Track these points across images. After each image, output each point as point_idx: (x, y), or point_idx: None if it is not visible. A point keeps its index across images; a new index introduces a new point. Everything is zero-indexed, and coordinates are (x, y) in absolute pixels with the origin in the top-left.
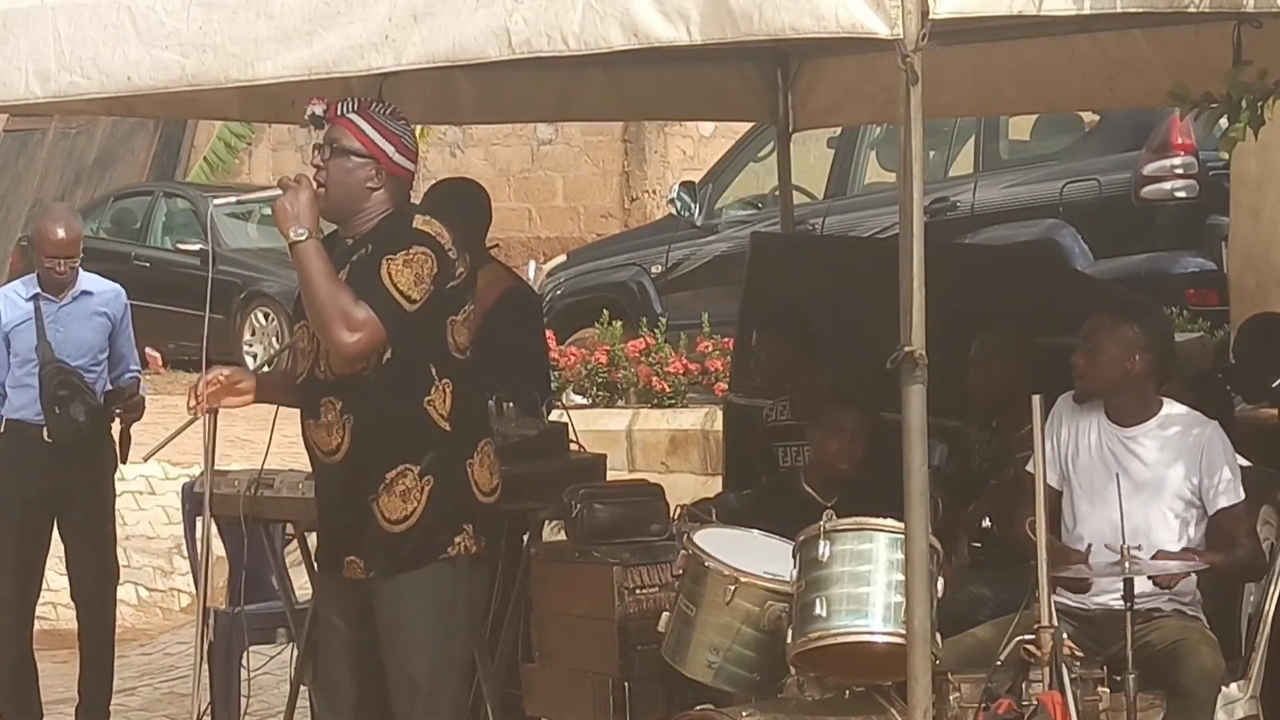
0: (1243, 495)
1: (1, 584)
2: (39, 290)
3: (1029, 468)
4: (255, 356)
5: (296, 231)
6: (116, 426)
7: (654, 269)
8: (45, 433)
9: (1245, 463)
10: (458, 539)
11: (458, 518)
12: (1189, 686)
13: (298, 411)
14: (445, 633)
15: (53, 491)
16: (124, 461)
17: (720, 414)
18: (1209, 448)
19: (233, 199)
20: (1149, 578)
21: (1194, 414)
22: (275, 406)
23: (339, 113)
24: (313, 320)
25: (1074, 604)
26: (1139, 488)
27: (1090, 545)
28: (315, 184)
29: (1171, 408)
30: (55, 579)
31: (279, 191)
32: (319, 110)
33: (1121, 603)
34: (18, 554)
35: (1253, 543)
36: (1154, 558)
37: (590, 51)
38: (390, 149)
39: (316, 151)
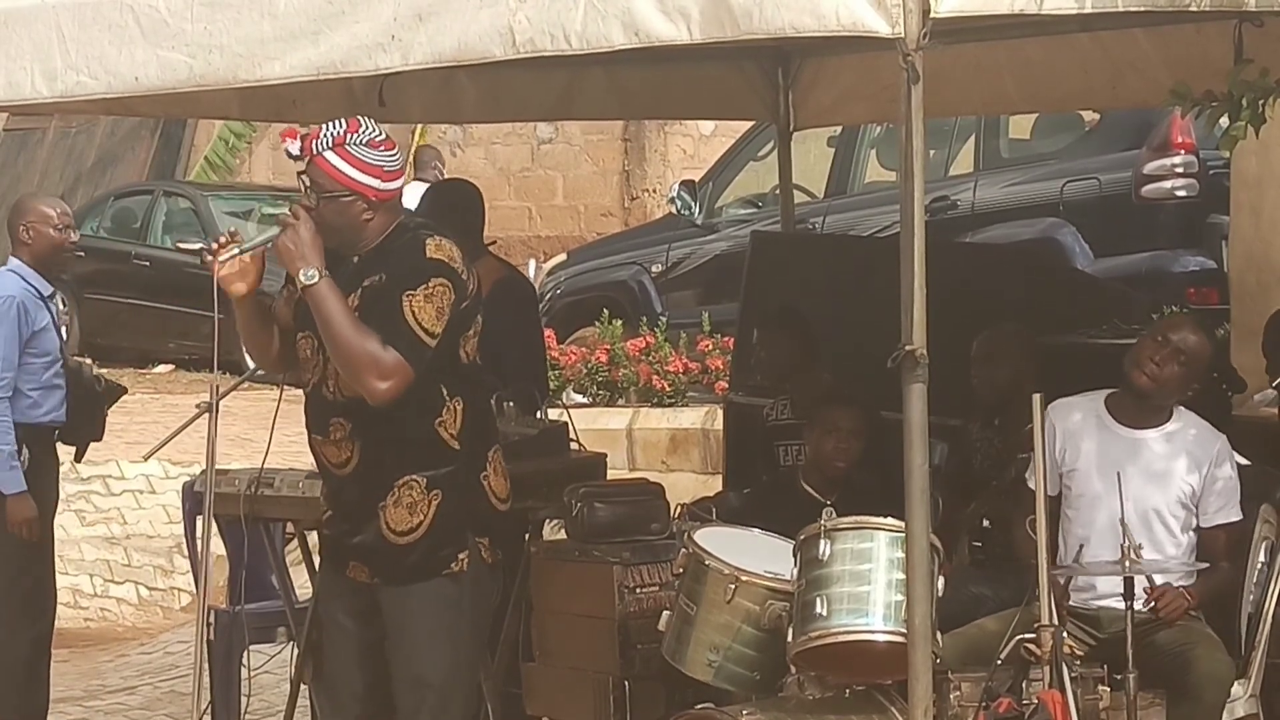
0: (1238, 516)
1: (35, 593)
2: (54, 289)
3: (1028, 474)
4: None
5: (307, 274)
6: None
7: (654, 268)
8: (57, 434)
9: (1245, 462)
10: (461, 555)
11: (468, 531)
12: (1198, 690)
13: (300, 412)
14: (452, 638)
15: (55, 494)
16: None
17: (721, 413)
18: (1216, 460)
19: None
20: (1149, 606)
21: (1207, 424)
22: (275, 406)
23: (315, 150)
24: (341, 365)
25: (1075, 602)
26: (1150, 479)
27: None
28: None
29: (1184, 415)
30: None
31: (277, 230)
32: (294, 149)
33: (1124, 603)
34: (43, 563)
35: (1234, 568)
36: (1151, 592)
37: (592, 50)
38: (375, 182)
39: (306, 192)
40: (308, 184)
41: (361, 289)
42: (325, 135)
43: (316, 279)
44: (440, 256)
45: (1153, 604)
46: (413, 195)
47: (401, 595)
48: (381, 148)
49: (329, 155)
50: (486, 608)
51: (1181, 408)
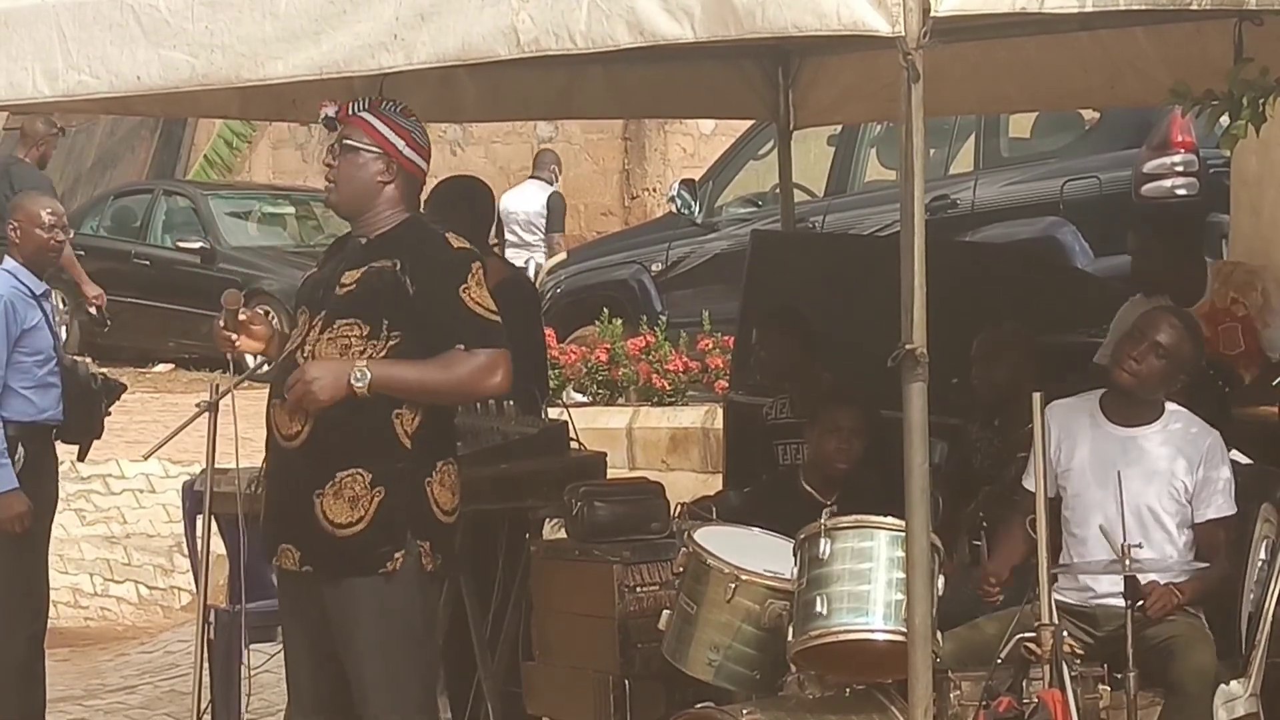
0: (1233, 510)
1: (31, 592)
2: (48, 286)
3: (1024, 479)
4: (255, 355)
5: (357, 379)
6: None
7: (654, 267)
8: (55, 432)
9: (1245, 460)
10: (398, 554)
11: (407, 533)
12: (1182, 683)
13: None
14: (398, 640)
15: (54, 493)
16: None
17: (720, 412)
18: (1209, 457)
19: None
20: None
21: (1199, 421)
22: None
23: (350, 112)
24: (452, 401)
25: (1074, 601)
26: (1143, 476)
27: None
28: (326, 182)
29: (1176, 411)
30: (54, 577)
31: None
32: (331, 112)
33: (1121, 600)
34: (38, 563)
35: (1231, 564)
36: (1146, 593)
37: (597, 50)
38: (401, 143)
39: (332, 149)
40: (335, 147)
41: (368, 267)
42: (361, 100)
43: (368, 374)
44: (464, 245)
45: (1140, 602)
46: (528, 194)
47: (344, 590)
48: (413, 119)
49: (366, 115)
50: (425, 611)
51: (1173, 404)
